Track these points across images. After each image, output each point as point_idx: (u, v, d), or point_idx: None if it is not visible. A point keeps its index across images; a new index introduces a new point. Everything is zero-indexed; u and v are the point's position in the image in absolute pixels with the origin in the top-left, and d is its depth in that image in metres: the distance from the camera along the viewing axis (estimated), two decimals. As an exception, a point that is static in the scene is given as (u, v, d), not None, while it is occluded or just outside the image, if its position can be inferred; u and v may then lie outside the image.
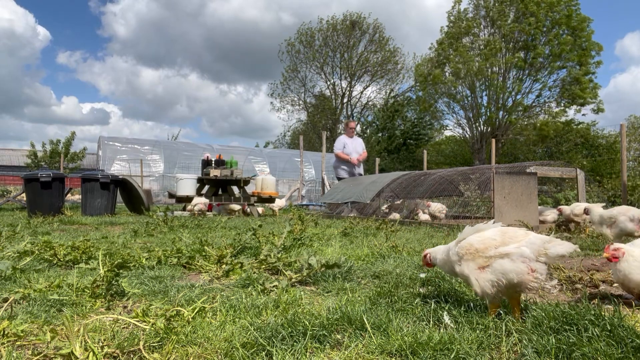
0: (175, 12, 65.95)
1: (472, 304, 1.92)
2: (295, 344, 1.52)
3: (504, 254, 1.70)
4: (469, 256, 1.81)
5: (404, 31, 53.72)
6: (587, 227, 4.78)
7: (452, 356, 1.41)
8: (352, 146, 10.24)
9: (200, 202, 8.54)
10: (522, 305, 1.85)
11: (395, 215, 7.55)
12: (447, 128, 29.58)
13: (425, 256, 2.10)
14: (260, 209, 9.74)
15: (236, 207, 9.66)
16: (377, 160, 16.65)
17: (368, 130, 34.29)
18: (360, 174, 10.42)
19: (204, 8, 64.98)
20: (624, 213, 3.76)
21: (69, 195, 12.74)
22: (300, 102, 36.90)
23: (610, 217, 3.83)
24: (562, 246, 1.67)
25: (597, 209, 4.08)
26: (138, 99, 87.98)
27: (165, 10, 66.53)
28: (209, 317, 1.87)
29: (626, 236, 3.74)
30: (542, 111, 24.79)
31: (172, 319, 1.70)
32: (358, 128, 35.76)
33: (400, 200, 8.68)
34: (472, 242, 1.82)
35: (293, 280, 2.56)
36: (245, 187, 9.92)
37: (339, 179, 10.45)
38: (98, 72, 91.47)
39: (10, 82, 78.59)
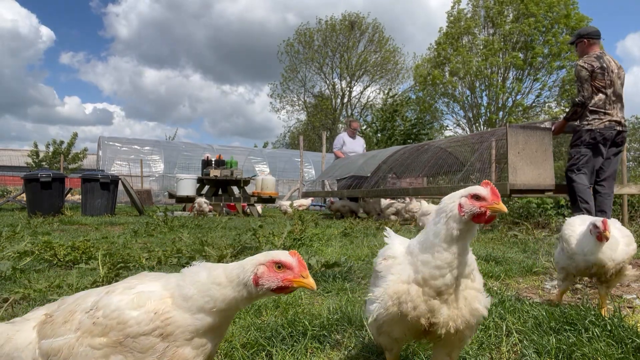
0: (177, 13, 65.95)
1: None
2: (295, 344, 1.52)
3: None
4: None
5: (408, 32, 53.76)
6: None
7: (452, 356, 1.40)
8: (352, 146, 10.19)
9: (200, 202, 8.54)
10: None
11: (394, 212, 7.79)
12: (447, 128, 29.58)
13: None
14: (287, 207, 9.23)
15: (288, 208, 9.22)
16: (377, 160, 16.68)
17: (367, 131, 34.26)
18: None
19: (208, 9, 64.92)
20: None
21: (69, 195, 12.73)
22: (300, 102, 36.89)
23: (428, 212, 5.17)
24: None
25: (426, 204, 5.43)
26: (141, 100, 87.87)
27: (168, 11, 66.53)
28: (209, 317, 1.86)
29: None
30: (542, 111, 24.79)
31: (172, 319, 1.70)
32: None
33: (402, 201, 8.72)
34: None
35: (293, 280, 2.56)
36: (245, 187, 9.92)
37: None
38: (101, 73, 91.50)
39: (14, 83, 78.77)
